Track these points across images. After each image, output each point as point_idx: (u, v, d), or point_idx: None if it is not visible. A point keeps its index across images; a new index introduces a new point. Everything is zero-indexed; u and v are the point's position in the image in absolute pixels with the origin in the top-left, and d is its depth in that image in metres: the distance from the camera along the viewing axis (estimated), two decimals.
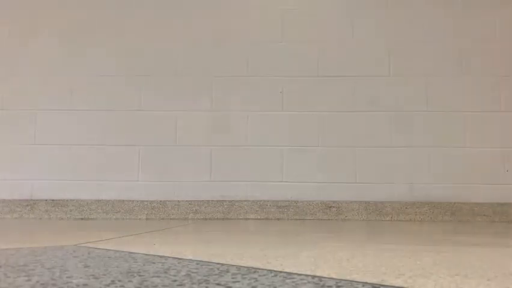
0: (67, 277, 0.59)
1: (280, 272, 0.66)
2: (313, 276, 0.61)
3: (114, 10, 2.87)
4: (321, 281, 0.58)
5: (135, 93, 2.80)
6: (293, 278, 0.60)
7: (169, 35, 2.84)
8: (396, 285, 0.55)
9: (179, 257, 0.82)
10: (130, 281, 0.57)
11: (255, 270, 0.67)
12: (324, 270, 0.67)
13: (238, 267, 0.69)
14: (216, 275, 0.62)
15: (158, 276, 0.60)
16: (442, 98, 2.73)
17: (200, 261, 0.77)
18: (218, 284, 0.55)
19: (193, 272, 0.64)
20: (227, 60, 2.81)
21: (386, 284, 0.56)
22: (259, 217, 2.62)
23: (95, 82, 2.81)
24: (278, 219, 2.61)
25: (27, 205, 2.67)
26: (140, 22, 2.86)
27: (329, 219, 2.61)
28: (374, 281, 0.58)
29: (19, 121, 2.78)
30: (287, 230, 1.73)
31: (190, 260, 0.78)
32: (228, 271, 0.66)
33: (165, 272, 0.64)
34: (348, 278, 0.60)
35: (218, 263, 0.73)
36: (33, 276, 0.60)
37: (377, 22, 2.81)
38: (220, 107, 2.76)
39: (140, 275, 0.61)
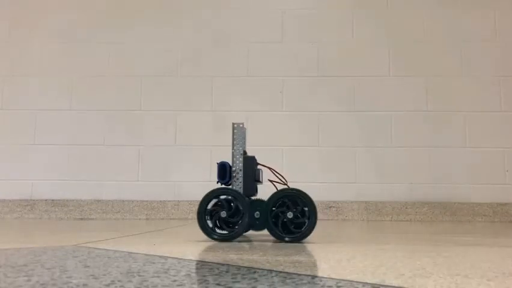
0: (67, 277, 0.59)
1: (280, 272, 0.66)
2: (314, 277, 0.61)
3: (114, 10, 2.87)
4: (321, 281, 0.58)
5: (135, 93, 2.80)
6: (293, 278, 0.60)
7: (169, 35, 2.84)
8: (397, 285, 0.55)
9: (179, 257, 0.82)
10: (129, 281, 0.57)
11: (255, 270, 0.67)
12: (324, 271, 0.67)
13: (238, 267, 0.69)
14: (216, 275, 0.62)
15: (158, 276, 0.60)
16: (442, 98, 2.73)
17: (200, 261, 0.77)
18: (218, 284, 0.55)
19: (193, 272, 0.64)
20: (227, 60, 2.81)
21: (386, 284, 0.56)
22: None
23: (95, 82, 2.81)
24: None
25: (27, 205, 2.67)
26: (140, 22, 2.86)
27: (329, 219, 2.61)
28: (374, 281, 0.58)
29: (19, 121, 2.78)
30: None
31: (190, 260, 0.78)
32: (227, 271, 0.66)
33: (165, 272, 0.64)
34: (348, 278, 0.60)
35: (218, 263, 0.73)
36: (33, 276, 0.60)
37: (377, 22, 2.82)
38: (220, 107, 2.76)
39: (140, 275, 0.61)
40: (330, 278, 0.60)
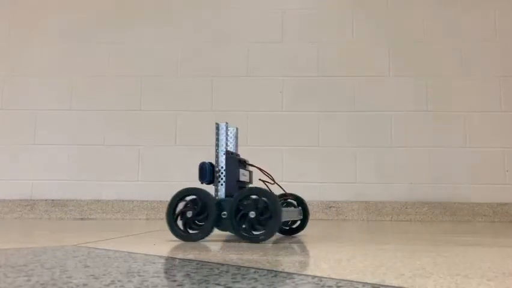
0: (67, 277, 0.59)
1: (281, 272, 0.66)
2: (314, 276, 0.61)
3: (114, 10, 2.88)
4: (321, 281, 0.58)
5: (135, 93, 2.80)
6: (293, 278, 0.60)
7: (169, 35, 2.84)
8: (396, 285, 0.55)
9: (179, 257, 0.82)
10: (130, 281, 0.57)
11: (255, 270, 0.67)
12: (324, 271, 0.67)
13: (238, 267, 0.69)
14: (215, 275, 0.62)
15: (158, 277, 0.60)
16: (442, 98, 2.73)
17: (200, 261, 0.77)
18: (218, 284, 0.55)
19: (193, 272, 0.64)
20: (227, 60, 2.81)
21: (386, 284, 0.56)
22: None
23: (95, 82, 2.82)
24: None
25: (27, 205, 2.67)
26: (140, 22, 2.86)
27: (329, 219, 2.61)
28: (374, 281, 0.58)
29: (19, 121, 2.78)
30: None
31: (190, 260, 0.78)
32: (227, 271, 0.66)
33: (165, 272, 0.64)
34: (348, 278, 0.60)
35: (218, 263, 0.73)
36: (33, 276, 0.60)
37: (377, 22, 2.82)
38: (220, 107, 2.76)
39: (140, 275, 0.61)
40: (330, 278, 0.60)
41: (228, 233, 1.31)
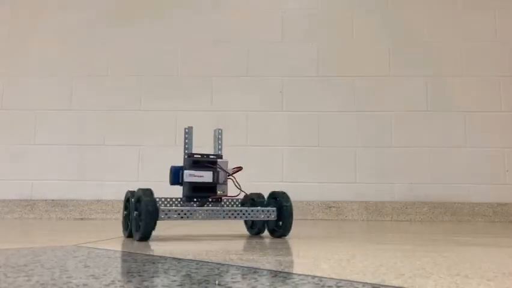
0: (67, 277, 0.59)
1: (281, 272, 0.66)
2: (314, 277, 0.61)
3: (114, 10, 2.88)
4: (321, 281, 0.58)
5: (135, 93, 2.80)
6: (293, 278, 0.60)
7: (169, 35, 2.84)
8: (396, 285, 0.55)
9: (179, 257, 0.82)
10: (129, 281, 0.57)
11: (255, 270, 0.67)
12: (324, 270, 0.67)
13: (238, 268, 0.69)
14: (215, 275, 0.62)
15: (158, 277, 0.60)
16: (442, 98, 2.73)
17: (200, 261, 0.77)
18: (218, 284, 0.55)
19: (193, 272, 0.64)
20: (227, 60, 2.81)
21: (385, 284, 0.56)
22: None
23: (95, 82, 2.81)
24: None
25: (27, 205, 2.67)
26: (140, 22, 2.86)
27: (329, 219, 2.61)
28: (374, 281, 0.58)
29: (19, 121, 2.78)
30: None
31: (190, 260, 0.78)
32: (227, 271, 0.66)
33: (165, 272, 0.64)
34: (348, 278, 0.60)
35: (218, 263, 0.73)
36: (33, 276, 0.60)
37: (377, 22, 2.82)
38: (220, 107, 2.76)
39: (140, 275, 0.61)
40: (330, 278, 0.60)
41: (228, 232, 1.31)
